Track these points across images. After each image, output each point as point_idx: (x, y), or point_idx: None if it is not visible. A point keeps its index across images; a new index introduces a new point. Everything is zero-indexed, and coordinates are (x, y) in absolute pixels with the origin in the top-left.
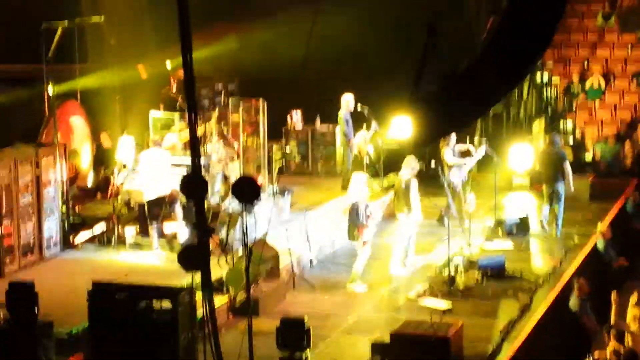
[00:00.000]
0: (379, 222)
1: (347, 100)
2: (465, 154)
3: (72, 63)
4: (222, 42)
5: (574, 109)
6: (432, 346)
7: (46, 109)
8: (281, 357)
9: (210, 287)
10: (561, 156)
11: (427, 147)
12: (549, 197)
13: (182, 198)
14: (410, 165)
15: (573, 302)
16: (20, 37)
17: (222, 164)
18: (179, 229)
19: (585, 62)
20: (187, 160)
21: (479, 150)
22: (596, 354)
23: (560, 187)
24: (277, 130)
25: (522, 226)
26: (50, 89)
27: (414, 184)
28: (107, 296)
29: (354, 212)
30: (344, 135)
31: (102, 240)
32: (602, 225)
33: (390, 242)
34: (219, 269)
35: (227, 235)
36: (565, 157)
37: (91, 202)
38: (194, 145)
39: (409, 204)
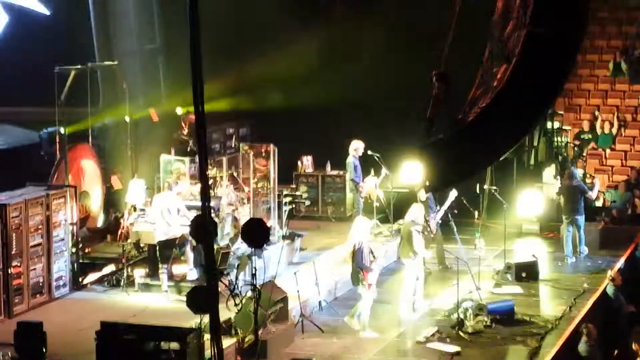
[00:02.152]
0: (382, 267)
1: (356, 147)
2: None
3: (85, 106)
4: (233, 86)
5: (584, 157)
6: None
7: (57, 151)
8: None
9: (218, 329)
10: (581, 189)
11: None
12: (568, 226)
13: (192, 240)
14: (415, 212)
15: (582, 347)
16: (34, 80)
17: (233, 207)
18: (188, 270)
19: (596, 110)
20: (198, 203)
21: (450, 195)
22: None
23: (580, 219)
24: (287, 175)
25: (531, 270)
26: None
27: (419, 229)
28: (115, 337)
29: (358, 256)
30: (352, 181)
31: (111, 281)
32: (612, 271)
33: (398, 286)
34: (227, 311)
35: (236, 277)
36: (584, 188)
37: (101, 244)
38: (204, 188)
39: (413, 248)
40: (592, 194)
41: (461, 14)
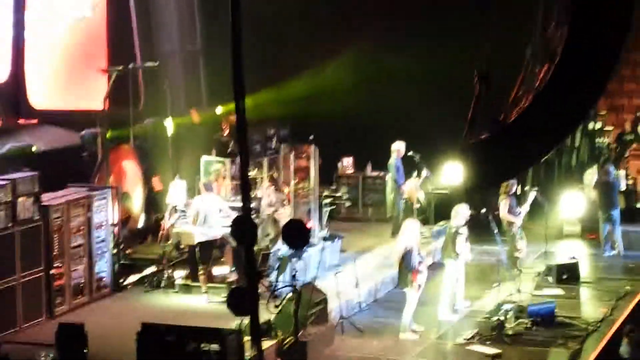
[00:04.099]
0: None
1: (398, 148)
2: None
3: (126, 107)
4: (274, 88)
5: (626, 157)
6: None
7: (99, 152)
8: None
9: (258, 331)
10: (615, 185)
11: (477, 194)
12: (604, 221)
13: (232, 242)
14: (460, 214)
15: (624, 350)
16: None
17: (273, 209)
18: (229, 272)
19: (638, 111)
20: (238, 204)
21: (529, 197)
22: None
23: (615, 214)
24: (328, 176)
25: (573, 271)
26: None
27: (463, 231)
28: (156, 338)
29: (407, 258)
30: (394, 182)
31: (152, 283)
32: None
33: (438, 288)
34: (267, 312)
35: (277, 279)
36: (618, 185)
37: (142, 245)
38: (245, 189)
39: (455, 250)
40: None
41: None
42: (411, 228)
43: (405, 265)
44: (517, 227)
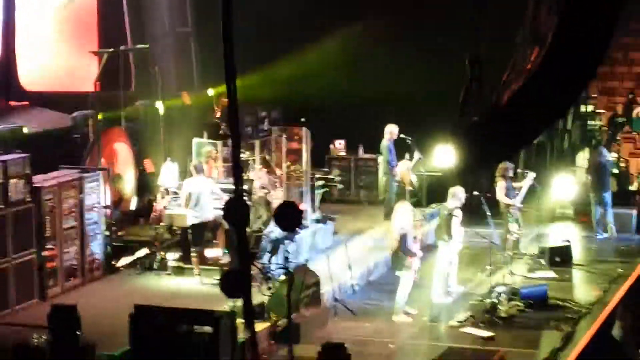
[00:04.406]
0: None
1: (391, 130)
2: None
3: (117, 89)
4: (265, 70)
5: (618, 140)
6: None
7: (90, 134)
8: None
9: (251, 313)
10: (607, 167)
11: (470, 177)
12: (596, 204)
13: (224, 224)
14: (456, 196)
15: (616, 332)
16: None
17: (265, 191)
18: (221, 254)
19: (630, 94)
20: (230, 186)
21: (527, 179)
22: None
23: (606, 196)
24: (320, 158)
25: (565, 253)
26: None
27: (458, 213)
28: (148, 320)
29: (403, 241)
30: (387, 164)
31: (144, 265)
32: None
33: (432, 270)
34: (260, 294)
35: (269, 261)
36: (611, 166)
37: (134, 227)
38: (237, 171)
39: (449, 232)
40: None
41: None
42: (404, 211)
43: (401, 248)
44: (516, 210)
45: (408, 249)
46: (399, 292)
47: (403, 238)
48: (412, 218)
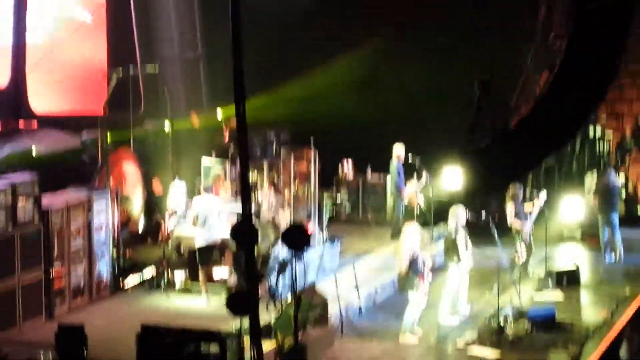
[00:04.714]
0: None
1: (399, 152)
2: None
3: (126, 111)
4: (275, 91)
5: (626, 164)
6: None
7: (99, 155)
8: None
9: (258, 333)
10: (615, 189)
11: (478, 199)
12: (604, 225)
13: (232, 244)
14: (456, 215)
15: (624, 354)
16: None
17: (273, 212)
18: (228, 274)
19: (639, 117)
20: (238, 207)
21: (539, 201)
22: None
23: (614, 218)
24: (328, 179)
25: (573, 277)
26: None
27: (461, 233)
28: (155, 340)
29: (414, 262)
30: (394, 186)
31: (152, 285)
32: None
33: (440, 291)
34: (267, 314)
35: (277, 281)
36: (617, 188)
37: (142, 247)
38: (245, 193)
39: (457, 253)
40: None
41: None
42: (412, 232)
43: (413, 269)
44: (527, 232)
45: (419, 269)
46: (407, 312)
47: (413, 259)
48: (420, 238)
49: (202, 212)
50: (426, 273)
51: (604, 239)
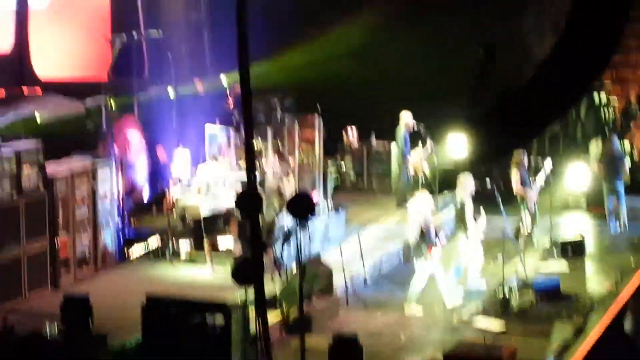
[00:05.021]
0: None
1: (406, 121)
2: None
3: (130, 77)
4: (278, 57)
5: (631, 130)
6: None
7: (104, 122)
8: None
9: (263, 303)
10: (620, 156)
11: (482, 166)
12: (609, 194)
13: (237, 214)
14: (462, 184)
15: (628, 325)
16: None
17: (278, 180)
18: (234, 243)
19: None
20: (243, 176)
21: (545, 167)
22: None
23: (620, 186)
24: (332, 146)
25: (578, 247)
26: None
27: (468, 202)
28: (160, 310)
29: (427, 231)
30: (400, 154)
31: (157, 254)
32: None
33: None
34: (272, 285)
35: (282, 251)
36: (622, 155)
37: (146, 216)
38: (250, 160)
39: (465, 223)
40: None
41: None
42: (423, 200)
43: (422, 237)
44: (533, 200)
45: (430, 238)
46: (413, 282)
47: (426, 228)
48: (431, 207)
49: (207, 180)
50: (440, 241)
51: (609, 207)
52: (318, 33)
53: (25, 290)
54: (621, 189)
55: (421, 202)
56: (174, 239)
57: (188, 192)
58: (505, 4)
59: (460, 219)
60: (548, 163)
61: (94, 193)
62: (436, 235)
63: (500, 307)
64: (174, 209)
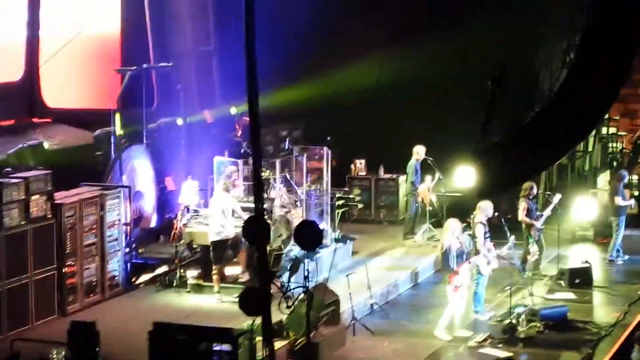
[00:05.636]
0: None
1: (418, 151)
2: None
3: (140, 107)
4: (287, 88)
5: (639, 163)
6: None
7: (112, 151)
8: None
9: (270, 331)
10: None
11: (490, 198)
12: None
13: (245, 242)
14: (484, 210)
15: (635, 356)
16: (91, 80)
17: (285, 210)
18: (241, 272)
19: None
20: (251, 204)
21: (553, 201)
22: None
23: (617, 220)
24: (340, 177)
25: (585, 276)
26: (118, 129)
27: (479, 228)
28: (167, 337)
29: (445, 258)
30: (411, 184)
31: (164, 282)
32: None
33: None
34: (279, 313)
35: (289, 279)
36: (619, 191)
37: (154, 244)
38: (258, 190)
39: (476, 248)
40: (620, 200)
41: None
42: (451, 228)
43: (443, 265)
44: (537, 230)
45: (449, 265)
46: (445, 311)
47: (445, 254)
48: (459, 235)
49: (221, 209)
50: (462, 271)
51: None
52: (331, 66)
53: (33, 316)
54: (619, 223)
55: (450, 228)
56: (181, 267)
57: (196, 221)
58: (516, 38)
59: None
60: (556, 198)
61: (102, 221)
62: (462, 260)
63: (507, 334)
64: (181, 237)
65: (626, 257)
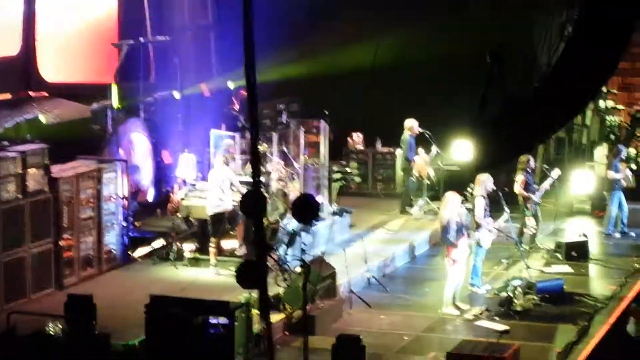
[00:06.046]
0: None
1: (411, 125)
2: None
3: (137, 81)
4: (285, 62)
5: (637, 136)
6: None
7: (109, 125)
8: None
9: (267, 304)
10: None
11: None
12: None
13: (242, 215)
14: (483, 183)
15: (631, 328)
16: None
17: (282, 183)
18: (238, 245)
19: None
20: (248, 178)
21: (551, 175)
22: None
23: (615, 194)
24: (337, 151)
25: (582, 249)
26: (115, 103)
27: (478, 201)
28: (164, 310)
29: (444, 231)
30: (405, 158)
31: (161, 255)
32: None
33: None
34: (276, 286)
35: (286, 253)
36: (616, 167)
37: (151, 218)
38: (255, 163)
39: (475, 222)
40: (613, 174)
41: None
42: (453, 200)
43: (442, 238)
44: (534, 204)
45: (447, 238)
46: (445, 284)
47: (444, 228)
48: (459, 208)
49: (219, 183)
50: (461, 244)
51: (612, 214)
52: (328, 41)
53: (30, 290)
54: (615, 198)
55: (449, 201)
56: (178, 240)
57: (193, 195)
58: (514, 12)
59: (472, 217)
60: (555, 173)
61: (99, 195)
62: (461, 236)
63: (503, 307)
64: (178, 211)
65: (632, 233)
